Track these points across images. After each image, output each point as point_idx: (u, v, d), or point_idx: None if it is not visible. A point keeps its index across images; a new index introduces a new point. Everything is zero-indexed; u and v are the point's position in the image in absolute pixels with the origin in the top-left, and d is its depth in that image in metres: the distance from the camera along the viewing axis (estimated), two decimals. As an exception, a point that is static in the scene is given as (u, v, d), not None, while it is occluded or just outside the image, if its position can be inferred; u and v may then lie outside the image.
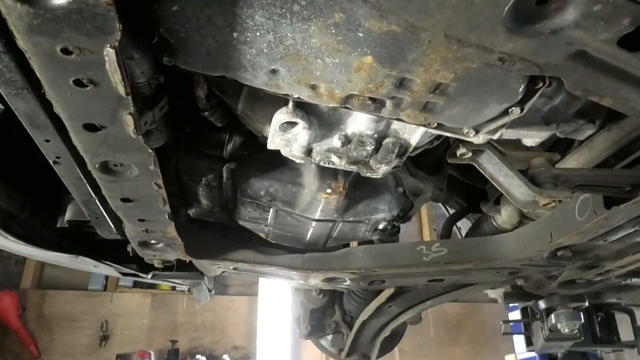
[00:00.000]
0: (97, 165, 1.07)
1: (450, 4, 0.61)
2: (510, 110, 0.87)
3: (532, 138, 1.04)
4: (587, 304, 2.48)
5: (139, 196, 1.21)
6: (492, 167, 1.18)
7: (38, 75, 0.80)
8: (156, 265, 1.79)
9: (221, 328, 4.86)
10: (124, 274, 1.99)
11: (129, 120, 0.89)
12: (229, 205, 1.54)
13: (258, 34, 0.76)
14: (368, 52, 0.75)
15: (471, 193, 1.90)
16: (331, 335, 2.31)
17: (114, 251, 1.83)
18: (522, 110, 0.86)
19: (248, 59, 0.82)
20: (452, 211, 2.06)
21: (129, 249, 1.71)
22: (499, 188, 1.21)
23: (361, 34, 0.72)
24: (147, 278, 1.90)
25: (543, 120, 1.00)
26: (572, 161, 1.20)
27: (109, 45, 0.72)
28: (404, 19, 0.66)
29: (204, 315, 4.88)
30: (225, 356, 4.89)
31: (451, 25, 0.62)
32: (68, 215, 1.57)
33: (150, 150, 1.01)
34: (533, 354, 3.65)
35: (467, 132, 0.94)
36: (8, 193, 1.55)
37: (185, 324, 5.05)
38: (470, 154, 1.19)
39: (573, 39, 0.62)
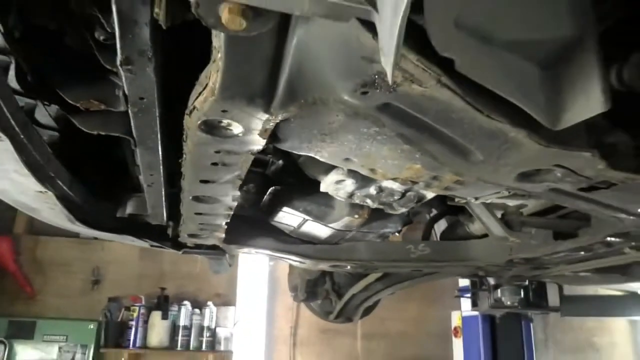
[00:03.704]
0: (190, 198, 1.41)
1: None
2: (503, 191, 1.27)
3: (513, 202, 1.45)
4: (526, 282, 3.05)
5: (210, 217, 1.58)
6: (479, 209, 1.59)
7: (185, 157, 1.12)
8: (189, 245, 2.15)
9: (204, 277, 5.30)
10: (156, 247, 2.33)
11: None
12: (262, 209, 1.90)
13: (346, 143, 1.11)
14: (419, 163, 1.12)
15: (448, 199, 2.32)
16: (321, 301, 2.77)
17: (149, 226, 2.16)
18: (510, 191, 1.27)
19: (330, 151, 1.17)
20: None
21: (168, 232, 2.05)
22: (481, 223, 1.64)
23: (417, 155, 1.09)
24: (179, 253, 2.26)
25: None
26: (531, 205, 1.64)
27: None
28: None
29: (188, 265, 5.27)
30: (210, 302, 5.36)
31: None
32: (130, 209, 1.88)
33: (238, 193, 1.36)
34: (477, 313, 4.28)
35: (469, 199, 1.34)
36: (78, 188, 1.84)
37: (171, 272, 5.45)
38: (465, 201, 1.60)
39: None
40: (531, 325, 4.49)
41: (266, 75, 0.79)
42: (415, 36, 0.69)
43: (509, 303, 3.07)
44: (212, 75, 0.80)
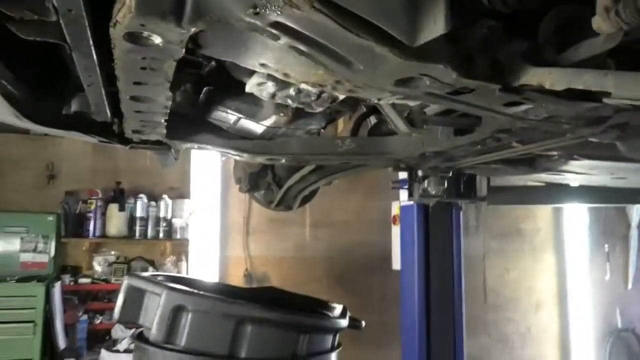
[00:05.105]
0: (127, 97, 1.56)
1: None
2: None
3: (414, 103, 1.68)
4: (450, 174, 3.39)
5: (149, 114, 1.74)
6: (388, 109, 1.82)
7: (116, 62, 1.26)
8: (134, 140, 2.32)
9: (159, 173, 5.48)
10: (103, 142, 2.48)
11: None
12: (200, 107, 2.07)
13: (257, 50, 1.28)
14: (321, 70, 1.31)
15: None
16: (263, 191, 3.05)
17: (95, 123, 2.30)
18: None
19: (246, 57, 1.34)
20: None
21: (114, 128, 2.21)
22: (390, 122, 1.87)
23: (315, 64, 1.28)
24: (127, 148, 2.43)
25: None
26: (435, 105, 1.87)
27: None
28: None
29: (143, 161, 5.41)
30: (165, 195, 5.61)
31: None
32: (74, 107, 2.00)
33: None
34: (412, 202, 4.71)
35: (374, 100, 1.56)
36: (22, 86, 1.94)
37: (125, 168, 5.60)
38: (376, 101, 1.81)
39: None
40: (460, 213, 4.98)
41: (175, -4, 0.95)
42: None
43: (434, 192, 3.43)
44: (129, -6, 0.95)
